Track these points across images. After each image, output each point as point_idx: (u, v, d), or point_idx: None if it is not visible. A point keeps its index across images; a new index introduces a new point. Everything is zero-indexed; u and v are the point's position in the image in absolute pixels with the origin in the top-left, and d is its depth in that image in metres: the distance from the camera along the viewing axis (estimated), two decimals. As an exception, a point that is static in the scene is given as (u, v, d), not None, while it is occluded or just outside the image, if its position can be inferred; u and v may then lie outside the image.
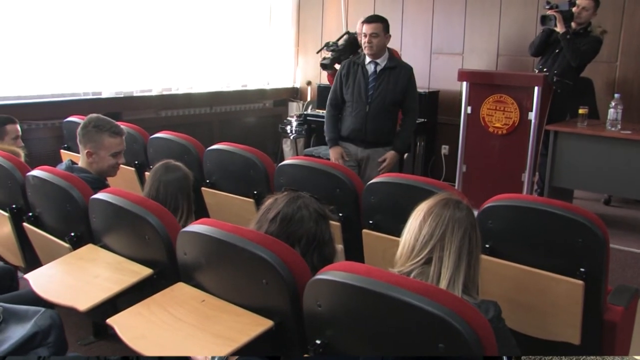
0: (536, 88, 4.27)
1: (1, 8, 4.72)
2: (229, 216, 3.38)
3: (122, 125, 3.87)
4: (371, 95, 3.97)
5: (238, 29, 6.69)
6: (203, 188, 3.41)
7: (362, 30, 3.99)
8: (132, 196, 2.22)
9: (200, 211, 3.48)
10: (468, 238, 1.66)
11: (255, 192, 3.21)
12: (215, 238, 1.87)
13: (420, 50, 6.38)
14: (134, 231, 2.19)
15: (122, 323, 1.82)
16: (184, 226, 2.10)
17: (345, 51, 5.00)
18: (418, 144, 6.04)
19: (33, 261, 2.78)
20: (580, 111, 4.23)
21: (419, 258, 1.66)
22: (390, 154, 4.03)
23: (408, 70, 4.03)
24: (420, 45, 6.38)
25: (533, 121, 4.30)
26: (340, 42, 5.11)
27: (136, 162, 3.81)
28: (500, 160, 4.49)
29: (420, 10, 6.32)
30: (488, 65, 5.77)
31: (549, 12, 4.60)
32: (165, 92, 6.22)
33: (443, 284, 1.61)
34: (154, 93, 6.09)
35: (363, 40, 3.97)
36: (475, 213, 1.86)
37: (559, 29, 4.53)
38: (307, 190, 2.96)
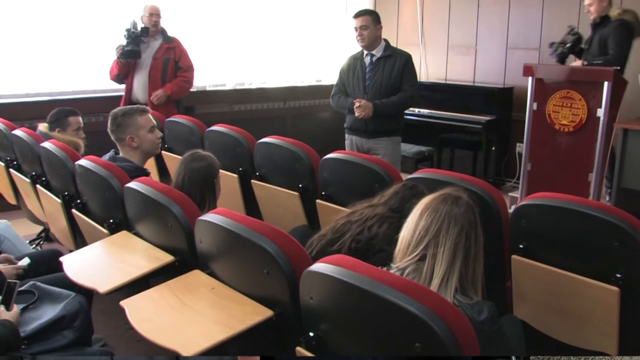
0: (605, 83, 4.01)
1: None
2: (276, 208, 3.42)
3: (180, 119, 4.05)
4: (367, 85, 4.07)
5: (313, 22, 6.74)
6: (253, 181, 3.46)
7: (353, 25, 4.10)
8: (158, 185, 2.30)
9: (251, 203, 3.56)
10: (465, 236, 1.59)
11: (300, 186, 3.22)
12: (224, 227, 1.90)
13: (496, 45, 6.19)
14: (159, 219, 2.26)
15: (132, 306, 1.89)
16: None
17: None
18: (491, 141, 5.87)
19: (83, 245, 2.93)
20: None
21: (414, 254, 1.62)
22: (364, 102, 4.01)
23: (404, 57, 4.07)
24: (496, 40, 6.18)
25: (602, 118, 4.04)
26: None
27: (193, 153, 3.91)
28: (566, 159, 4.26)
29: (496, 3, 6.12)
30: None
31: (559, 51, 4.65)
32: (238, 87, 6.38)
33: (435, 282, 1.56)
34: (227, 87, 6.25)
35: (355, 35, 4.09)
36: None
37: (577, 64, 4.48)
38: (348, 184, 2.98)
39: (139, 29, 4.85)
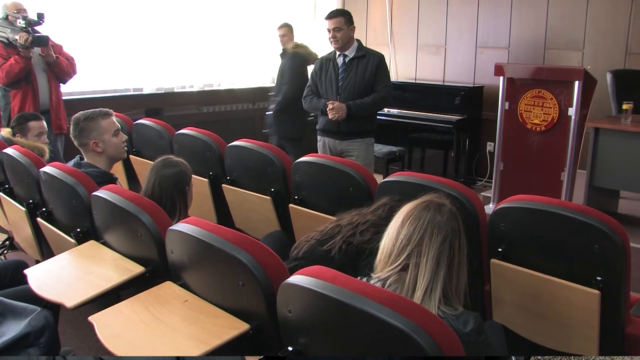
0: (576, 82, 4.03)
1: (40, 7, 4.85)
2: (248, 213, 3.35)
3: (148, 122, 3.94)
4: (341, 86, 4.01)
5: (281, 22, 6.66)
6: (224, 185, 3.38)
7: (326, 26, 4.04)
8: (127, 193, 2.21)
9: (222, 208, 3.48)
10: (449, 244, 1.54)
11: (272, 190, 3.15)
12: (195, 237, 1.82)
13: (465, 45, 6.21)
14: (129, 229, 2.17)
15: (101, 321, 1.81)
16: (178, 224, 2.07)
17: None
18: (462, 140, 5.88)
19: (50, 255, 2.82)
20: (624, 106, 3.97)
21: (396, 264, 1.56)
22: (338, 103, 3.96)
23: (377, 57, 4.03)
24: (465, 39, 6.20)
25: (573, 117, 4.06)
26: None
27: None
28: (538, 159, 4.27)
29: (465, 3, 6.14)
30: (535, 59, 5.52)
31: None
32: (206, 88, 6.27)
33: (419, 293, 1.51)
34: (195, 89, 6.15)
35: (328, 36, 4.03)
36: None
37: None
38: (321, 187, 2.93)
39: (36, 16, 4.34)
